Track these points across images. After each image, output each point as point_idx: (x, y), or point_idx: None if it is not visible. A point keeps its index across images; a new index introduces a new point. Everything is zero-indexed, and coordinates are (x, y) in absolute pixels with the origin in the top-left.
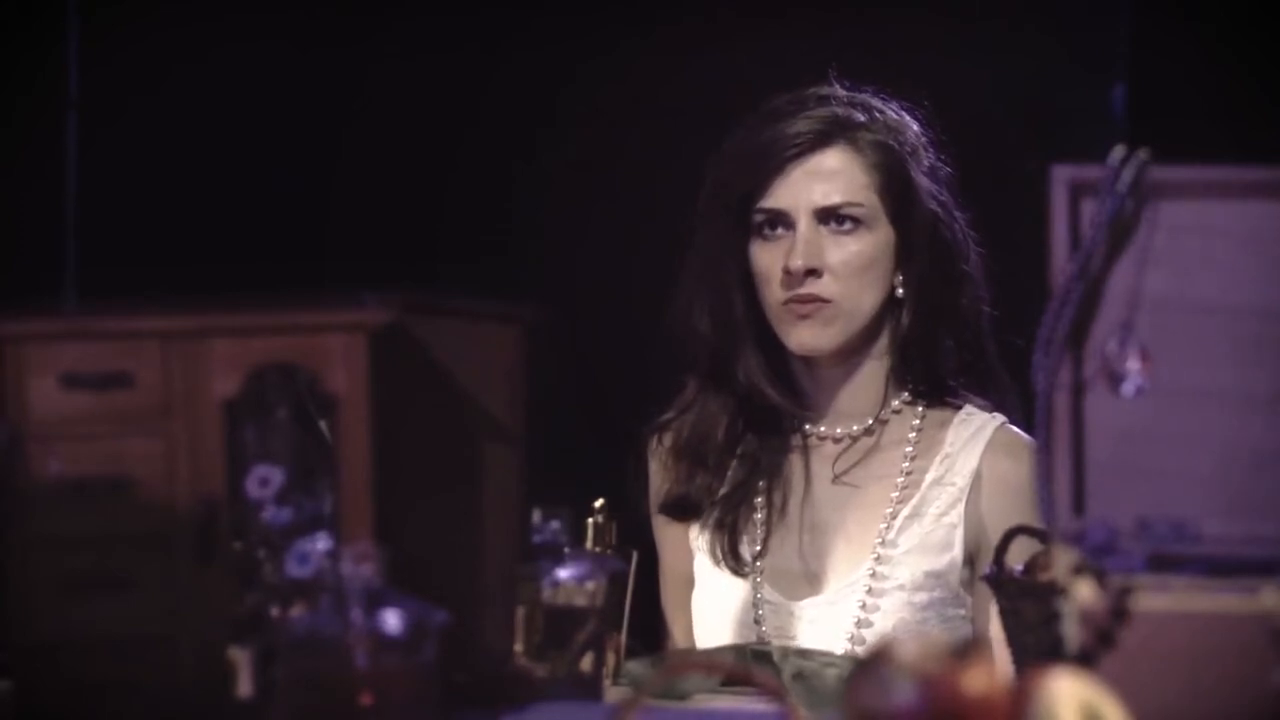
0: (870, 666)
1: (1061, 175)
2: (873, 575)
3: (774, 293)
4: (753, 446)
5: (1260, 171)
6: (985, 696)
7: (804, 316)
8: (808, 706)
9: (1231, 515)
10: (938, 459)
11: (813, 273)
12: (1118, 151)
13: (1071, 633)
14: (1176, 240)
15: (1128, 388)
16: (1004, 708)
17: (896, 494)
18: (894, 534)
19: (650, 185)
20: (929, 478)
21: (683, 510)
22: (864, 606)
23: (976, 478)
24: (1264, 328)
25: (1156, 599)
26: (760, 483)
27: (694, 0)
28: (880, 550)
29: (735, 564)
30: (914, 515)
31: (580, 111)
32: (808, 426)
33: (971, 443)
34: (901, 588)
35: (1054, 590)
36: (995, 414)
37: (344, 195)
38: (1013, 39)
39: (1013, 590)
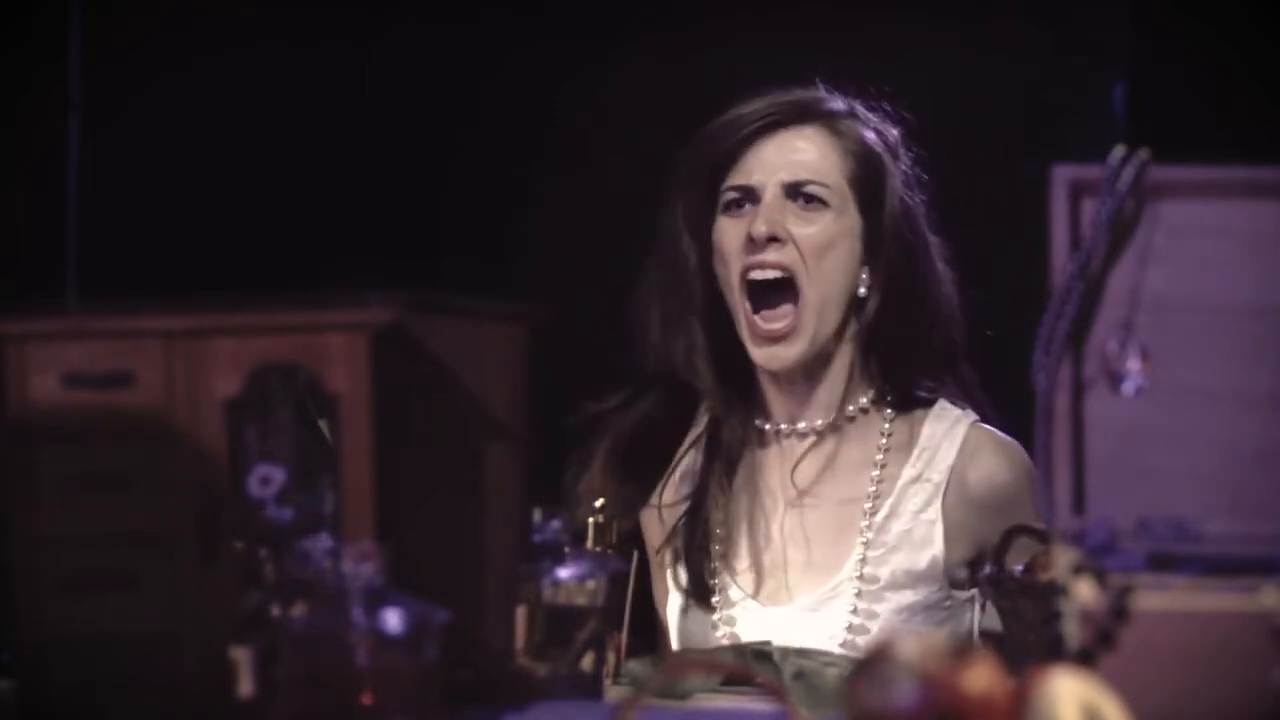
0: (870, 665)
1: (1061, 175)
2: (860, 578)
3: (735, 266)
4: (708, 457)
5: (1260, 171)
6: (986, 695)
7: (774, 340)
8: (808, 706)
9: (1231, 515)
10: (914, 455)
11: (775, 240)
12: (1118, 151)
13: (1071, 632)
14: (1176, 240)
15: (1128, 388)
16: (1004, 707)
17: (874, 488)
18: (874, 533)
19: (651, 185)
20: (905, 474)
21: (632, 510)
22: (855, 611)
23: (953, 474)
24: (1264, 328)
25: (1156, 599)
26: (720, 499)
27: (694, 1)
28: (865, 552)
29: (699, 586)
30: (892, 514)
31: (581, 111)
32: (767, 427)
33: (947, 438)
34: (886, 588)
35: (1054, 590)
36: (966, 410)
37: (345, 195)
38: (1013, 39)
39: (1013, 590)
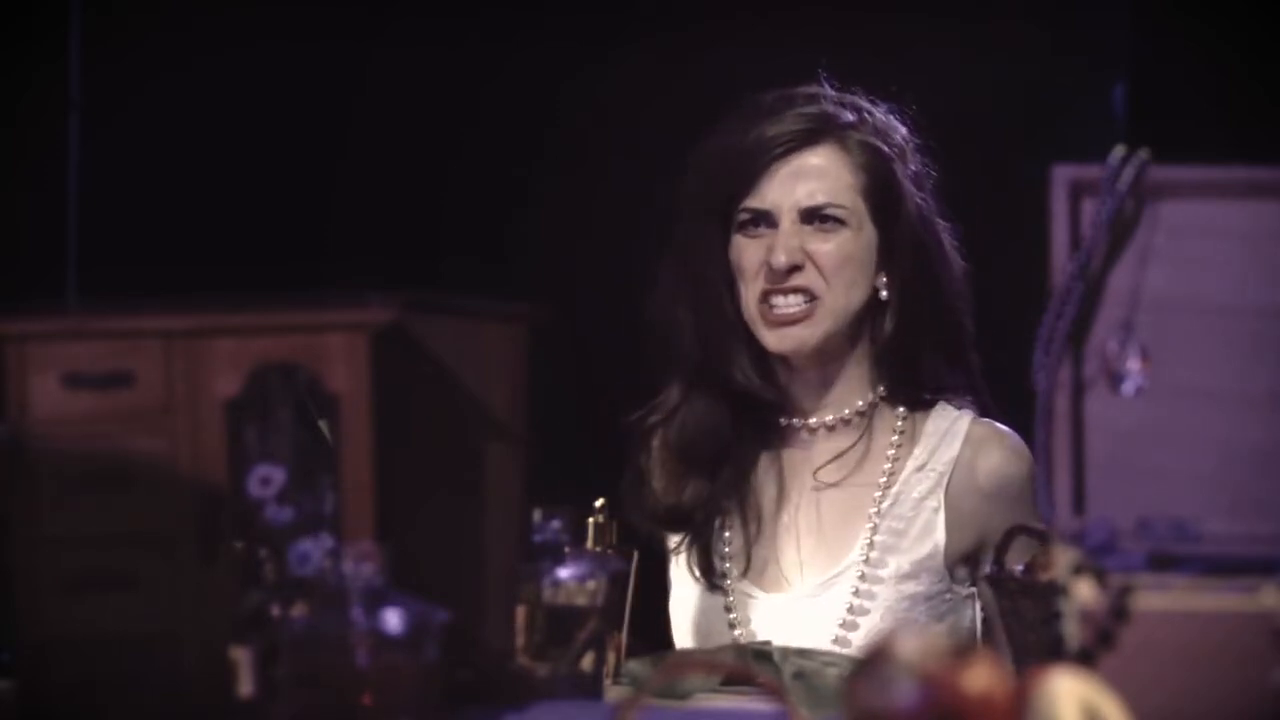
0: (871, 665)
1: (1061, 175)
2: (866, 561)
3: (754, 289)
4: (733, 449)
5: (1260, 171)
6: (986, 695)
7: (787, 323)
8: (808, 706)
9: (1232, 515)
10: (918, 448)
11: (796, 268)
12: (1118, 151)
13: (1072, 632)
14: (1176, 240)
15: (1128, 388)
16: (1005, 706)
17: (884, 480)
18: (883, 519)
19: (650, 185)
20: (910, 465)
21: (676, 519)
22: (857, 593)
23: (957, 466)
24: (1264, 328)
25: (1156, 599)
26: (738, 488)
27: (694, 1)
28: (873, 537)
29: (709, 574)
30: (897, 503)
31: (580, 111)
32: (781, 420)
33: (949, 433)
34: (890, 579)
35: (1054, 590)
36: (965, 409)
37: (345, 195)
38: (1013, 39)
39: (1013, 590)
